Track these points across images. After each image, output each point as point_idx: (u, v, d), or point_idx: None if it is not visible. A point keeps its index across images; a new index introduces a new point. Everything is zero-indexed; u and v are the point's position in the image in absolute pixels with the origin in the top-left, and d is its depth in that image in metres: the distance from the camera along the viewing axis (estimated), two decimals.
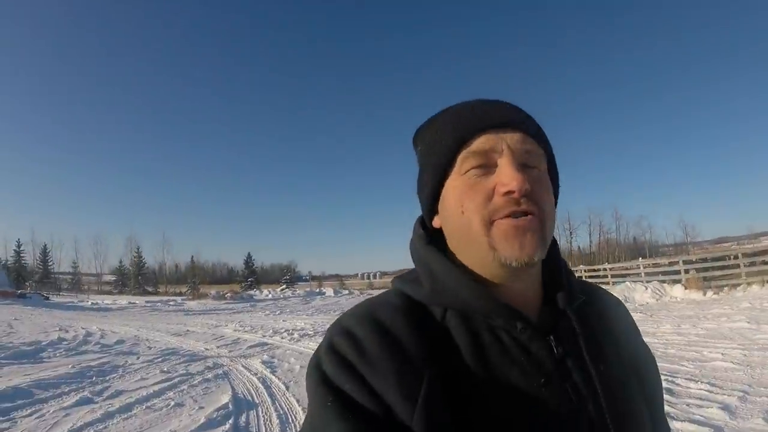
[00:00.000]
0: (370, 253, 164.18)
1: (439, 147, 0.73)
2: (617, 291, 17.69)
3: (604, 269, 25.11)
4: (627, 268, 23.30)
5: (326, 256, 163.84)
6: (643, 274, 20.56)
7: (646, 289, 17.59)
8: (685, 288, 16.90)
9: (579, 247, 57.58)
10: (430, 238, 0.77)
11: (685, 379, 5.78)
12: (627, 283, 19.26)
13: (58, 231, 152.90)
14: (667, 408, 4.55)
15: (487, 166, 0.69)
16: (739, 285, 16.06)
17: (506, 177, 0.66)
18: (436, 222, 0.77)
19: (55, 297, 49.52)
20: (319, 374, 0.63)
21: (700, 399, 4.99)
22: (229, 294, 45.96)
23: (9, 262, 71.70)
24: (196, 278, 65.90)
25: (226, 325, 16.87)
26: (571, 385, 0.67)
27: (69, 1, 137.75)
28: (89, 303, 40.40)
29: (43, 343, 11.68)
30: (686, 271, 18.01)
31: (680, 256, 21.68)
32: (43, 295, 45.80)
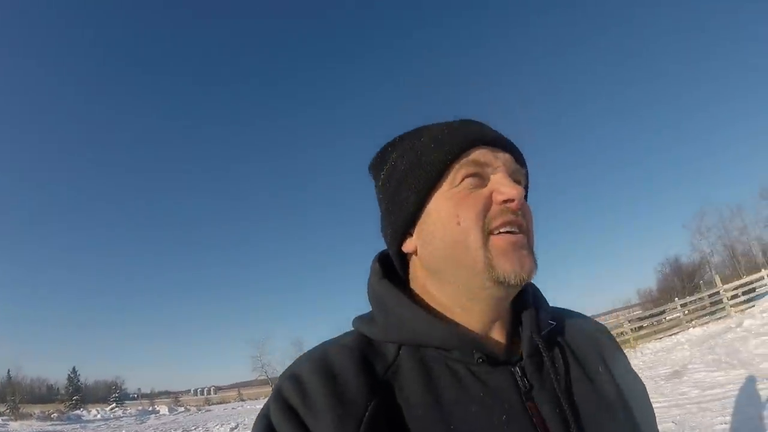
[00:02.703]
0: (202, 368, 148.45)
1: (429, 161, 0.70)
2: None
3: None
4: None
5: (155, 371, 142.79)
6: None
7: None
8: None
9: None
10: (386, 273, 0.75)
11: None
12: None
13: None
14: None
15: (482, 178, 0.68)
16: None
17: (504, 186, 0.66)
18: (409, 246, 0.73)
19: None
20: (264, 424, 0.61)
21: None
22: (55, 414, 41.68)
23: None
24: (16, 396, 58.51)
25: None
26: (538, 421, 0.62)
27: None
28: None
29: None
30: None
31: None
32: None
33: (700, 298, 18.58)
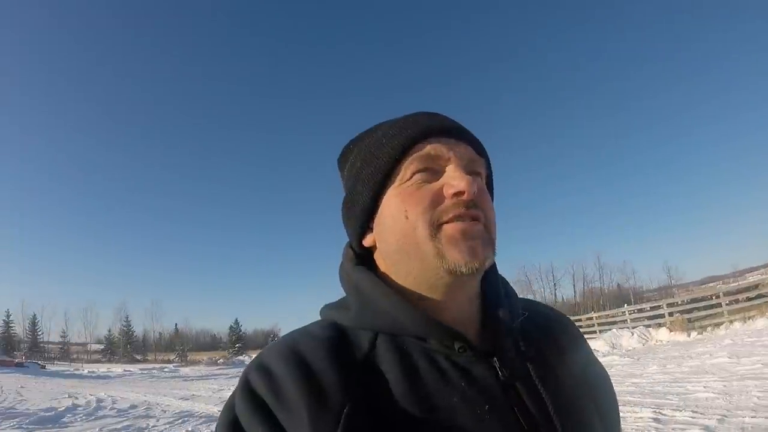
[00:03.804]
0: None
1: (379, 157, 0.69)
2: (604, 339, 18.38)
3: (589, 318, 25.35)
4: (612, 316, 23.87)
5: (307, 318, 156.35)
6: (628, 321, 21.17)
7: (632, 334, 18.24)
8: (670, 331, 17.55)
9: (563, 298, 56.68)
10: (360, 260, 0.73)
11: (671, 409, 6.42)
12: (614, 330, 19.83)
13: (50, 302, 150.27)
14: None
15: (434, 172, 0.67)
16: (721, 323, 16.66)
17: (455, 179, 0.64)
18: (368, 240, 0.73)
19: (50, 366, 48.79)
20: (229, 419, 0.59)
21: (685, 424, 5.64)
22: (221, 360, 45.85)
23: None
24: (184, 346, 65.46)
25: (229, 389, 16.92)
26: (521, 411, 0.62)
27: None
28: (86, 371, 40.03)
29: (60, 410, 11.96)
30: (670, 314, 18.69)
31: (664, 299, 22.18)
32: (39, 364, 45.29)
33: None
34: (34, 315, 78.83)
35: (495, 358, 0.65)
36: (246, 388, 0.60)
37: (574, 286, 56.57)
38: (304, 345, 0.63)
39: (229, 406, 0.61)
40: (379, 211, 0.70)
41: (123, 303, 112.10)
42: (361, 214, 0.72)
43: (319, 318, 0.74)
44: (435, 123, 0.70)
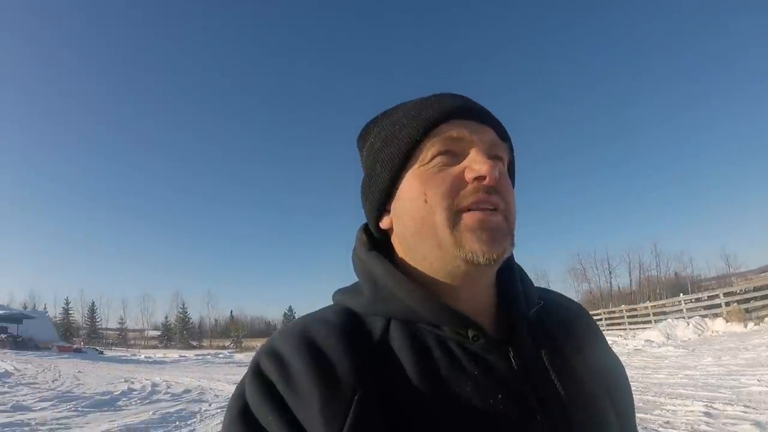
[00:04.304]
0: None
1: (399, 137, 0.68)
2: (659, 329, 17.90)
3: (645, 307, 24.84)
4: (668, 305, 23.18)
5: None
6: (684, 310, 20.53)
7: (688, 324, 17.68)
8: (726, 321, 16.93)
9: (619, 287, 56.44)
10: (374, 244, 0.72)
11: (723, 403, 6.22)
12: (669, 320, 19.28)
13: (108, 289, 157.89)
14: (705, 428, 5.16)
15: (455, 155, 0.65)
16: None
17: (477, 163, 0.62)
18: (386, 222, 0.71)
19: (107, 351, 51.06)
20: (239, 406, 0.58)
21: (736, 419, 5.46)
22: None
23: (57, 319, 75.01)
24: (239, 332, 67.18)
25: None
26: (535, 400, 0.60)
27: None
28: (142, 357, 41.53)
29: (116, 393, 12.41)
30: (727, 304, 18.00)
31: (721, 289, 21.50)
32: (97, 350, 47.45)
33: None
34: (93, 302, 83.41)
35: (509, 347, 0.64)
36: (257, 373, 0.59)
37: (630, 274, 56.39)
38: (316, 330, 0.62)
39: (239, 394, 0.60)
40: (398, 193, 0.68)
41: (179, 291, 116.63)
42: (380, 196, 0.70)
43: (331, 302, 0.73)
44: (458, 104, 0.68)
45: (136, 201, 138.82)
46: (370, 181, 0.72)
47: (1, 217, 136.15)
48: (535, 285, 0.77)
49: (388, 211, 0.71)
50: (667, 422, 5.65)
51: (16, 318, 46.00)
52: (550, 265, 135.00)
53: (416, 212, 0.64)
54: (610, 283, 56.51)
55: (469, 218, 0.61)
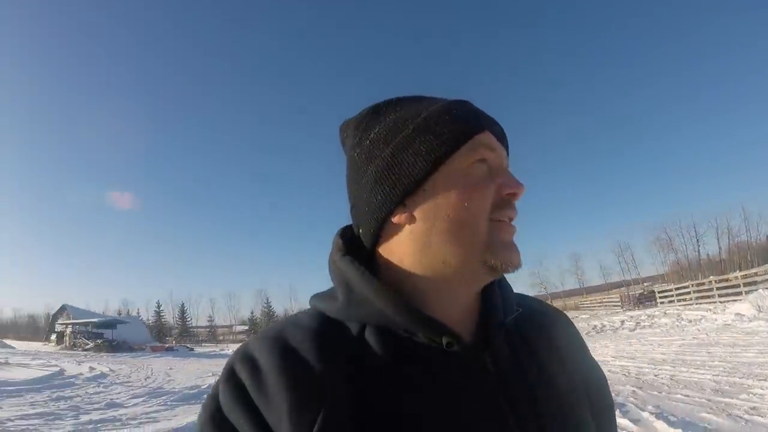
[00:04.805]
0: None
1: (442, 133, 0.65)
2: (750, 301, 16.63)
3: (735, 277, 23.00)
4: (759, 274, 21.33)
5: None
6: None
7: None
8: None
9: (708, 255, 52.39)
10: (349, 249, 0.70)
11: None
12: (760, 290, 17.68)
13: (196, 289, 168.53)
14: None
15: (486, 165, 0.66)
16: None
17: (512, 181, 0.66)
18: (400, 217, 0.66)
19: (198, 348, 53.78)
20: (212, 408, 0.60)
21: None
22: None
23: (150, 321, 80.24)
24: None
25: None
26: (510, 407, 0.61)
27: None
28: (230, 351, 43.10)
29: (203, 387, 13.10)
30: None
31: None
32: (187, 347, 50.53)
33: None
34: (183, 303, 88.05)
35: (486, 354, 0.65)
36: (231, 376, 0.60)
37: (718, 240, 51.88)
38: (291, 335, 0.63)
39: (213, 396, 0.61)
40: (430, 187, 0.65)
41: (262, 287, 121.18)
42: (406, 186, 0.65)
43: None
44: (490, 117, 0.70)
45: (216, 202, 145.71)
46: (390, 168, 0.66)
47: (96, 233, 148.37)
48: (514, 291, 0.77)
49: (404, 205, 0.66)
50: (754, 408, 5.21)
51: (111, 324, 49.51)
52: (633, 237, 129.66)
53: (454, 213, 0.63)
54: (698, 251, 53.01)
55: (503, 231, 0.65)
